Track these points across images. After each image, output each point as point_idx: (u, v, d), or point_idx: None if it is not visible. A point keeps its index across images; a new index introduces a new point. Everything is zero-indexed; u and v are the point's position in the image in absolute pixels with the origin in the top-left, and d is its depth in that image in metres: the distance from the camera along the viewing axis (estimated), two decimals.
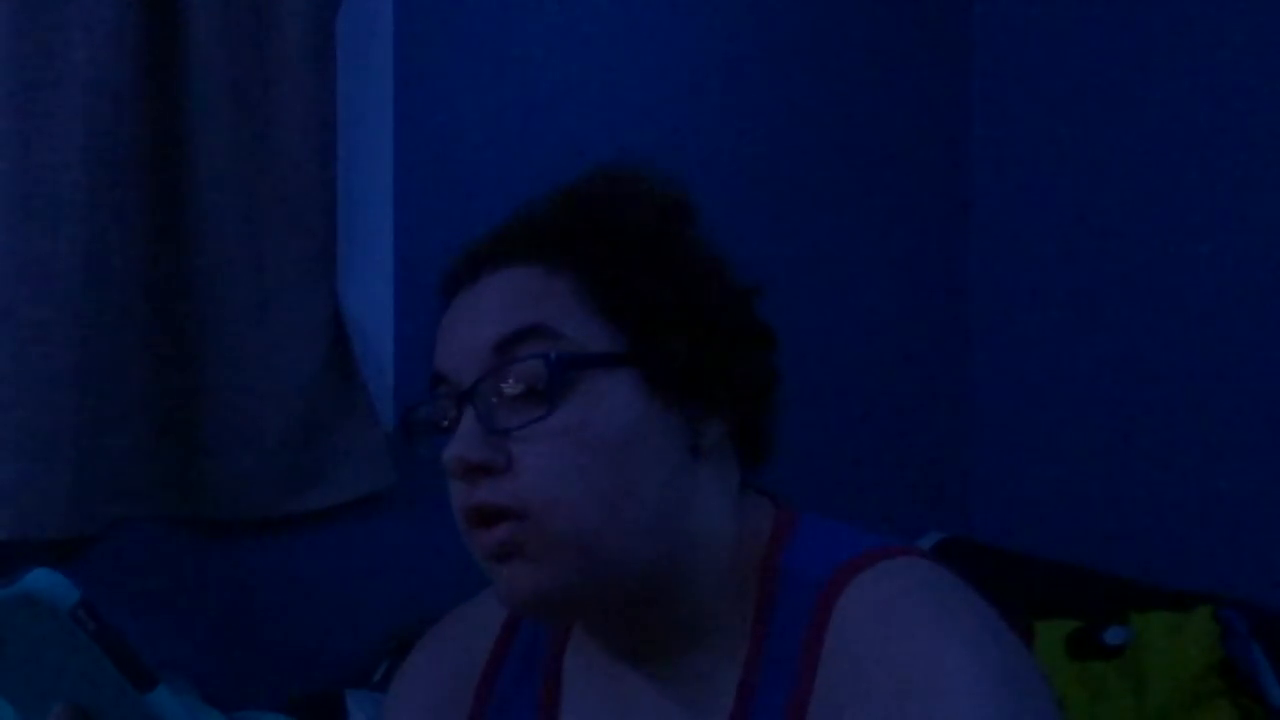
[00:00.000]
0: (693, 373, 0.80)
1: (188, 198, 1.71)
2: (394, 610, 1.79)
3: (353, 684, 1.76)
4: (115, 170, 1.62)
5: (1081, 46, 2.43)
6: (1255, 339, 2.20)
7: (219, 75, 1.70)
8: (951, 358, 2.60)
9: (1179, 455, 2.29)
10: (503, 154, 1.99)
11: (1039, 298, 2.50)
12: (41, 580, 0.68)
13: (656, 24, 2.20)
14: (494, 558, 0.78)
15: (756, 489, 0.88)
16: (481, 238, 0.85)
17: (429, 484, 0.80)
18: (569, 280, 0.80)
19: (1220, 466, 2.23)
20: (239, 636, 1.79)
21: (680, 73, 2.22)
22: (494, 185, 1.94)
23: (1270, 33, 2.18)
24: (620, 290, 0.80)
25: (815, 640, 0.79)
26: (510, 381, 0.77)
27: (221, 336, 1.73)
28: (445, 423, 0.80)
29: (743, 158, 2.30)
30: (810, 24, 2.39)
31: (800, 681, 0.78)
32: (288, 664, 1.82)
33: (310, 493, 1.81)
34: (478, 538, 0.78)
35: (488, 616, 0.92)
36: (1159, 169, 2.32)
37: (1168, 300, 2.31)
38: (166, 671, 1.52)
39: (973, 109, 2.59)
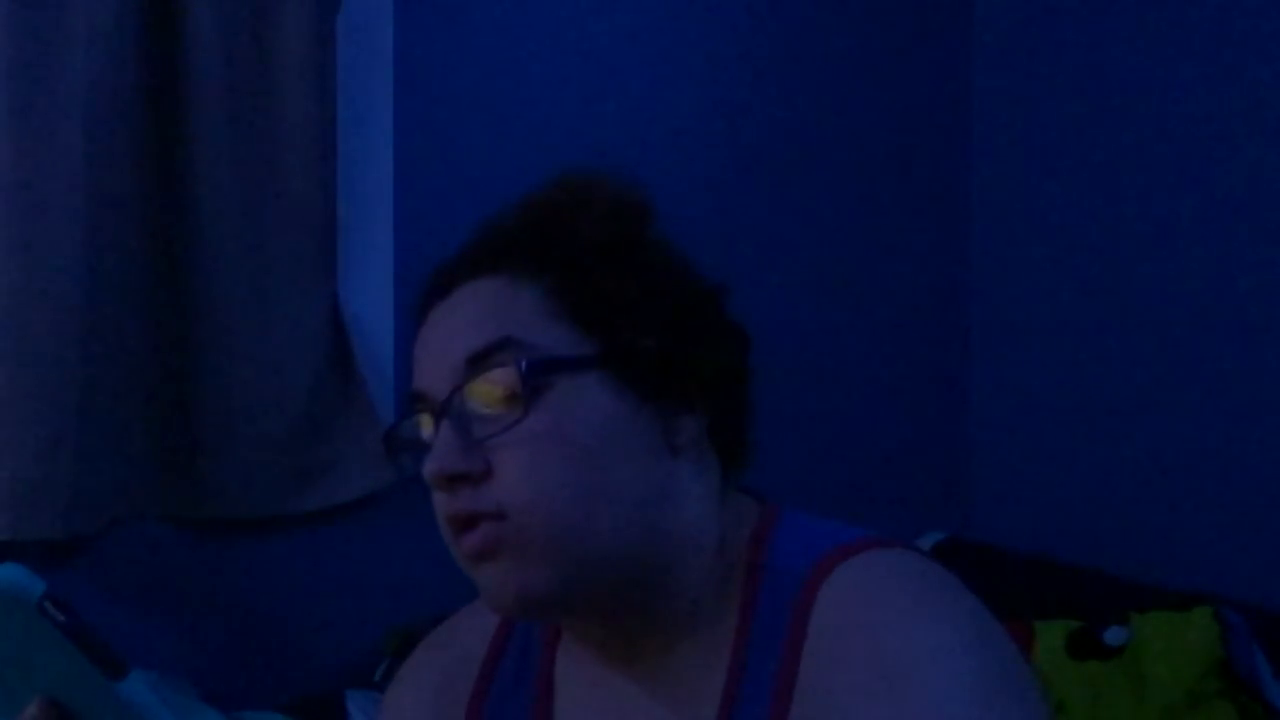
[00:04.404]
0: (663, 371, 0.81)
1: (188, 198, 1.71)
2: (394, 610, 1.79)
3: (353, 684, 1.76)
4: (115, 170, 1.62)
5: (1083, 47, 2.43)
6: (1255, 339, 2.20)
7: (219, 76, 1.70)
8: (951, 357, 2.60)
9: (1179, 456, 2.29)
10: (503, 154, 1.99)
11: (1039, 298, 2.50)
12: (7, 574, 0.68)
13: (658, 24, 2.20)
14: (476, 558, 0.79)
15: (743, 489, 0.89)
16: (450, 255, 0.86)
17: (428, 484, 0.81)
18: (535, 289, 0.81)
19: (1220, 467, 2.23)
20: (239, 636, 1.79)
21: (682, 73, 2.22)
22: (494, 185, 1.92)
23: (1272, 32, 2.18)
24: (585, 294, 0.81)
25: (798, 630, 0.79)
26: (483, 391, 0.79)
27: (221, 337, 1.73)
28: (425, 437, 0.81)
29: (744, 158, 2.30)
30: (812, 25, 2.39)
31: (784, 672, 0.79)
32: (288, 664, 1.82)
33: (310, 493, 1.81)
34: (460, 542, 0.80)
35: (482, 622, 0.93)
36: (1160, 170, 2.32)
37: (1167, 301, 2.31)
38: (167, 671, 1.52)
39: (973, 109, 2.59)
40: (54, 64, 1.57)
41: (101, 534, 1.66)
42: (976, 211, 2.60)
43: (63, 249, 1.57)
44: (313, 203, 1.79)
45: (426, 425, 0.82)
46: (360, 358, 1.86)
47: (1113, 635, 1.91)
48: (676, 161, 2.19)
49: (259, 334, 1.75)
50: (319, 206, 1.80)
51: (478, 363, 0.79)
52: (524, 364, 0.78)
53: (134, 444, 1.66)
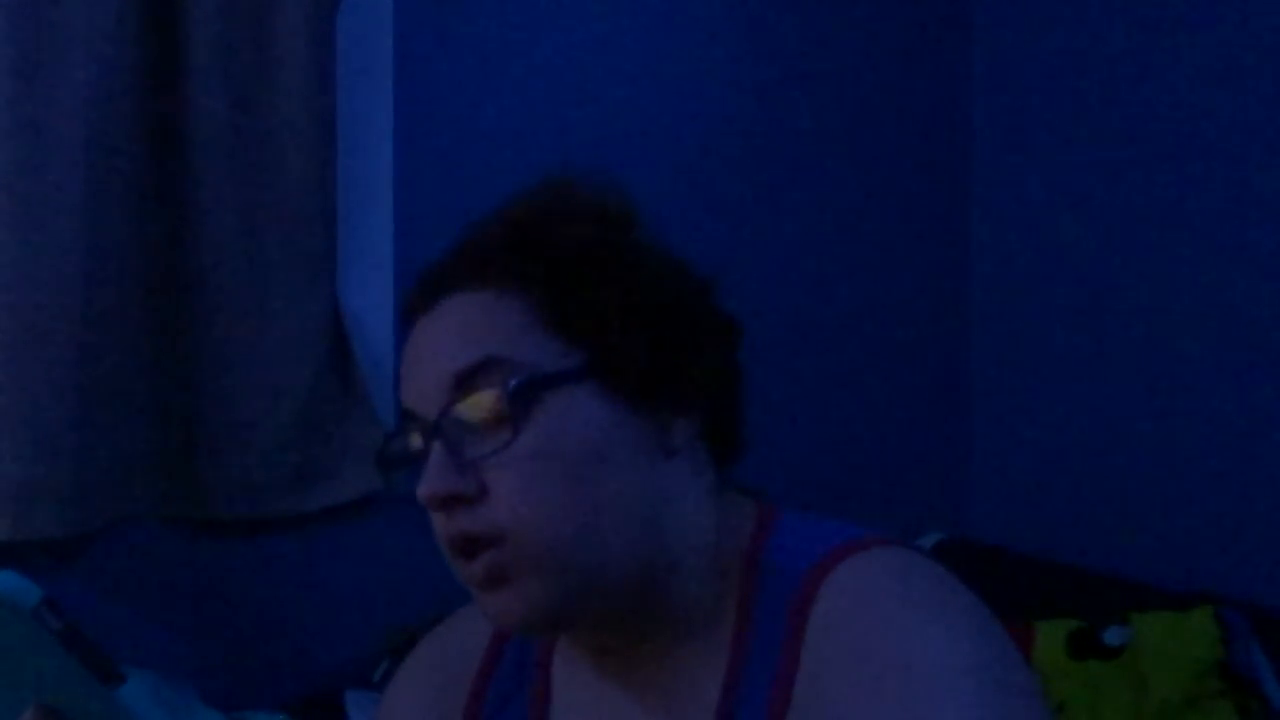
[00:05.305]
0: (653, 375, 0.81)
1: (187, 198, 1.71)
2: (394, 610, 1.79)
3: (352, 684, 1.76)
4: (115, 171, 1.62)
5: (1083, 43, 2.43)
6: (1255, 339, 2.20)
7: (219, 76, 1.70)
8: (951, 357, 2.60)
9: (1180, 456, 2.29)
10: (503, 154, 1.99)
11: (1040, 297, 2.50)
12: (3, 581, 0.69)
13: (657, 24, 2.20)
14: (480, 586, 0.79)
15: (739, 488, 0.89)
16: (431, 265, 0.85)
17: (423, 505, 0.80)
18: (518, 303, 0.80)
19: (1220, 467, 2.23)
20: (239, 636, 1.79)
21: (682, 72, 2.22)
22: (494, 185, 1.92)
23: (1272, 28, 2.18)
24: (569, 306, 0.80)
25: (797, 630, 0.79)
26: (472, 411, 0.78)
27: (221, 336, 1.73)
28: (418, 454, 0.81)
29: (744, 157, 2.30)
30: (813, 25, 2.39)
31: (783, 672, 0.79)
32: (288, 664, 1.82)
33: (310, 493, 1.81)
34: (463, 568, 0.80)
35: (481, 623, 0.93)
36: (1161, 167, 2.32)
37: (1168, 300, 2.31)
38: (167, 672, 1.52)
39: (973, 106, 2.59)
40: (54, 64, 1.57)
41: (101, 534, 1.66)
42: (976, 211, 2.60)
43: (62, 249, 1.57)
44: (313, 203, 1.79)
45: (418, 442, 0.81)
46: (360, 358, 1.86)
47: (1113, 635, 1.91)
48: (676, 160, 2.18)
49: (259, 334, 1.75)
50: (319, 206, 1.79)
51: (464, 383, 0.79)
52: (511, 385, 0.78)
53: (133, 444, 1.66)
